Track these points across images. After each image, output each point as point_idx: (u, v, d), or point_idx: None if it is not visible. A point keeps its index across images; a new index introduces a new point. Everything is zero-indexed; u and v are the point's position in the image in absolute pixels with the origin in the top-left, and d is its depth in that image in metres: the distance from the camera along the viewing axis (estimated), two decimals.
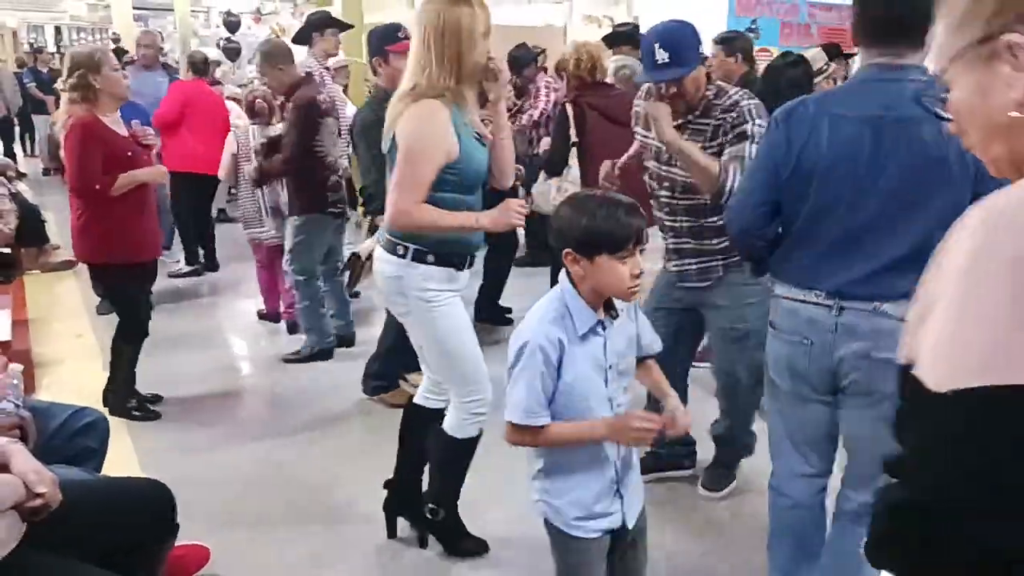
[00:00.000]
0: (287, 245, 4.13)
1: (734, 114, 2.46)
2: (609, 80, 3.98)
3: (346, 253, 4.10)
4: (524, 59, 5.44)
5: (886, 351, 1.71)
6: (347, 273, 2.38)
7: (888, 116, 1.78)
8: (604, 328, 1.71)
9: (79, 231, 3.42)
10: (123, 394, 3.57)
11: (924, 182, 1.76)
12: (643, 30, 5.62)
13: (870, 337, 1.81)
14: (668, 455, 3.04)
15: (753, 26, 8.17)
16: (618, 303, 1.73)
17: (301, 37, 4.91)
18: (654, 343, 1.86)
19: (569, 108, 3.68)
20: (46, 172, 10.19)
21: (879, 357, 1.79)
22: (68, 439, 2.23)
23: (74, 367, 4.15)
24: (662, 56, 2.41)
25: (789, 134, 1.90)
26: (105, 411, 2.77)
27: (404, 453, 2.63)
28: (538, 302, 1.76)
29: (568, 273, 1.69)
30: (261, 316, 4.88)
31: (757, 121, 2.42)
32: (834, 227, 1.86)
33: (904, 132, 1.77)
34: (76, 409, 2.32)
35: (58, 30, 24.23)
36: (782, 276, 2.00)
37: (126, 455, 3.13)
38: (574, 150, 3.72)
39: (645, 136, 2.72)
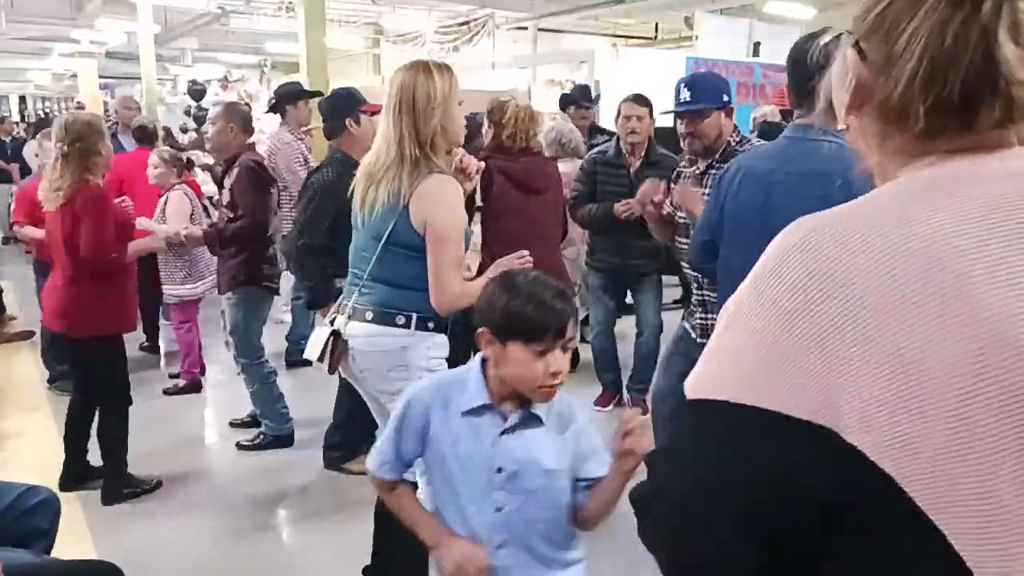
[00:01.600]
0: (230, 326, 3.85)
1: None
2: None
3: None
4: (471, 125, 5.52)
5: None
6: (326, 355, 2.19)
7: (780, 171, 1.99)
8: (504, 419, 1.50)
9: (70, 303, 3.21)
10: (119, 480, 3.37)
11: None
12: (602, 93, 5.80)
13: None
14: None
15: None
16: (553, 411, 1.52)
17: (275, 108, 4.97)
18: (596, 469, 1.54)
19: None
20: (5, 241, 10.04)
21: None
22: (17, 519, 2.14)
23: (29, 441, 4.01)
24: (684, 95, 2.68)
25: (720, 186, 2.17)
26: (57, 490, 2.66)
27: (380, 532, 2.53)
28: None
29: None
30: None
31: None
32: (734, 268, 2.00)
33: (787, 188, 1.95)
34: (27, 487, 2.23)
35: (22, 99, 24.24)
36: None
37: (79, 532, 3.01)
38: (476, 214, 3.48)
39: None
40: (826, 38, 1.94)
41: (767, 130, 4.76)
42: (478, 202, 3.39)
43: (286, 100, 4.94)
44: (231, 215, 3.78)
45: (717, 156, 2.70)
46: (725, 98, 2.71)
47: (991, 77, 0.68)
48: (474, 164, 2.45)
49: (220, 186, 3.83)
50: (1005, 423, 0.59)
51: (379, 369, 2.22)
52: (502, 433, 1.50)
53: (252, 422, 4.11)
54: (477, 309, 1.53)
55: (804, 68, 1.97)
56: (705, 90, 2.66)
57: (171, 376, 4.79)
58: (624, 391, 4.31)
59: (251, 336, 3.84)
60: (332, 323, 2.29)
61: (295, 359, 4.88)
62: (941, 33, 0.68)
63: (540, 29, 14.60)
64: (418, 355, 2.19)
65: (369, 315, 2.21)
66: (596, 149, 4.13)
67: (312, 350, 2.28)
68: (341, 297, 2.35)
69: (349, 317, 2.25)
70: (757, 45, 9.93)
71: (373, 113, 3.48)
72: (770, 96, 8.30)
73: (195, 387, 4.70)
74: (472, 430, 1.51)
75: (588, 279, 4.28)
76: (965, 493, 0.59)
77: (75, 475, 3.41)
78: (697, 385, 0.73)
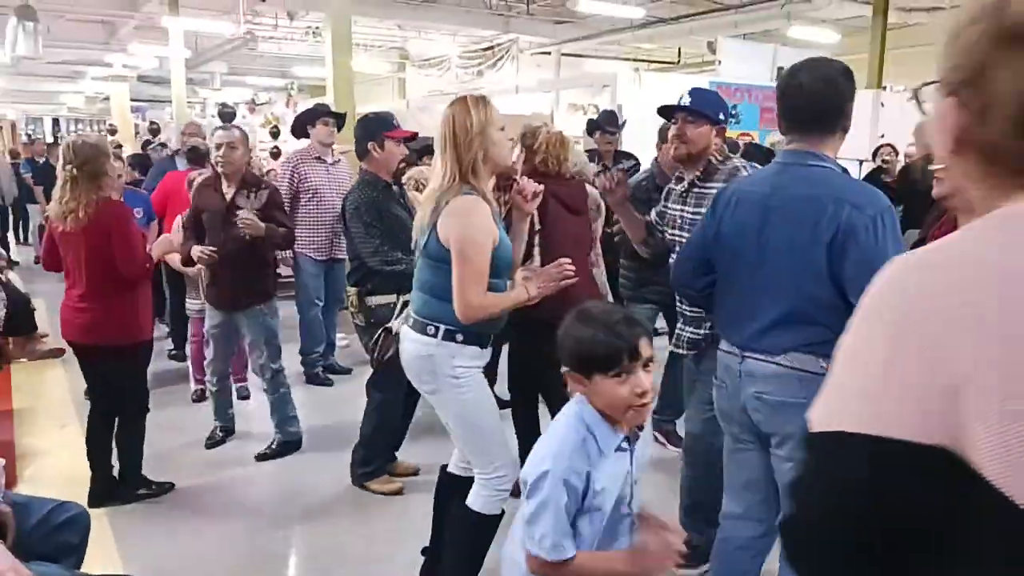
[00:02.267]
0: (262, 336, 3.94)
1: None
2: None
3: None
4: None
5: (779, 395, 2.00)
6: (374, 349, 2.58)
7: (775, 196, 2.03)
8: (630, 443, 1.63)
9: (104, 317, 3.31)
10: (134, 482, 3.57)
11: (787, 260, 2.00)
12: (623, 117, 5.80)
13: (764, 382, 2.05)
14: None
15: (733, 111, 8.45)
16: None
17: (297, 131, 5.09)
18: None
19: None
20: (37, 260, 10.24)
21: (773, 400, 2.01)
22: (48, 534, 2.18)
23: (58, 458, 4.07)
24: (686, 99, 2.72)
25: (715, 208, 2.23)
26: (86, 505, 2.71)
27: (437, 518, 2.72)
28: (555, 422, 1.68)
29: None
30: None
31: None
32: (737, 288, 2.13)
33: (781, 212, 2.01)
34: (57, 503, 2.28)
35: (56, 122, 24.78)
36: (718, 330, 2.29)
37: (107, 547, 3.05)
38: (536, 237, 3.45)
39: (671, 208, 2.88)
40: (829, 71, 1.99)
41: (751, 152, 4.74)
42: (536, 225, 3.42)
43: (307, 120, 5.08)
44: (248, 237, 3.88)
45: (699, 173, 2.72)
46: (721, 116, 2.73)
47: None
48: (531, 187, 2.54)
49: (234, 206, 3.86)
50: None
51: (415, 371, 2.45)
52: (630, 448, 1.64)
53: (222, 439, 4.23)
54: (559, 349, 1.60)
55: (795, 97, 2.05)
56: (706, 102, 2.73)
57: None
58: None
59: (279, 344, 4.03)
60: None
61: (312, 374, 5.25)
62: None
63: (563, 54, 14.74)
64: (442, 364, 2.37)
65: (411, 321, 2.46)
66: (642, 174, 4.13)
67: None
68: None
69: (403, 321, 2.53)
70: (780, 70, 9.93)
71: (406, 140, 3.68)
72: None
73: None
74: (612, 460, 1.61)
75: (629, 308, 4.22)
76: None
77: (102, 489, 3.47)
78: (822, 418, 0.78)
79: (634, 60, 15.55)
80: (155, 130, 12.22)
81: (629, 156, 5.26)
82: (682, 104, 2.74)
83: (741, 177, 2.62)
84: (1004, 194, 0.80)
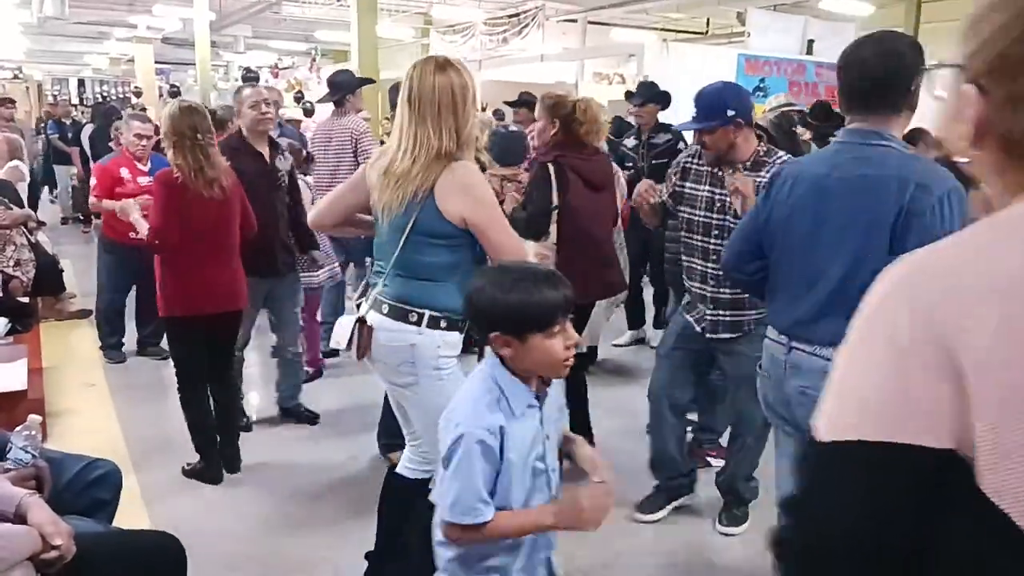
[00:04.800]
0: (296, 307, 4.01)
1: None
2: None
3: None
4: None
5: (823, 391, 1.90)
6: (353, 342, 2.26)
7: (833, 175, 1.97)
8: (539, 400, 1.63)
9: (239, 281, 3.45)
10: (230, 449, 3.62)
11: (849, 240, 1.93)
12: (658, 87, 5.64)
13: (809, 376, 1.99)
14: (666, 486, 3.17)
15: (761, 85, 8.33)
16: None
17: (335, 99, 4.98)
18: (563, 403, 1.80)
19: (552, 169, 3.36)
20: (64, 221, 10.36)
21: (818, 396, 1.93)
22: (81, 491, 2.23)
23: (86, 416, 4.16)
24: (694, 112, 2.73)
25: (769, 191, 2.18)
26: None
27: (380, 520, 2.56)
28: (466, 383, 1.67)
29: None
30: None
31: None
32: (791, 272, 2.08)
33: (842, 191, 1.95)
34: (89, 460, 2.32)
35: (81, 82, 24.87)
36: (766, 319, 2.26)
37: (135, 503, 3.13)
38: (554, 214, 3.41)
39: (692, 188, 2.89)
40: (896, 45, 1.91)
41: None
42: (554, 202, 3.33)
43: (347, 88, 5.00)
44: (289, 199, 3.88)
45: (748, 164, 2.72)
46: (731, 112, 2.66)
47: None
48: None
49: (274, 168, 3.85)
50: None
51: (390, 362, 2.25)
52: (540, 407, 1.63)
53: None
54: (479, 315, 1.59)
55: (858, 72, 1.94)
56: (707, 108, 2.70)
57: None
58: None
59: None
60: (358, 309, 2.34)
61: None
62: None
63: (590, 22, 14.55)
64: (426, 353, 2.20)
65: (385, 308, 2.24)
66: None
67: (339, 338, 2.31)
68: (368, 287, 2.40)
69: (371, 307, 2.29)
70: (811, 43, 9.77)
71: None
72: (823, 95, 8.16)
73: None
74: (523, 420, 1.59)
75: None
76: None
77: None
78: (828, 426, 0.76)
79: (661, 30, 15.33)
80: (175, 93, 12.22)
81: (667, 128, 5.13)
82: (692, 118, 2.75)
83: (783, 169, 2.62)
84: (1021, 190, 0.77)
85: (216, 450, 3.50)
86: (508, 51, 13.98)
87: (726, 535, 3.05)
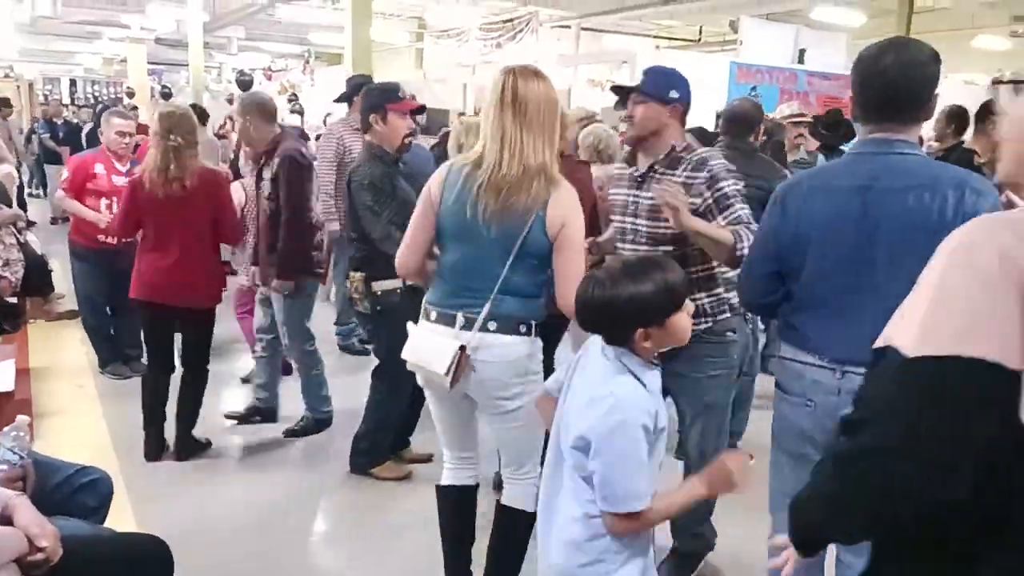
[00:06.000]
0: (279, 318, 3.83)
1: (705, 174, 2.43)
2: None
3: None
4: None
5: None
6: (451, 369, 2.16)
7: (876, 186, 1.87)
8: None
9: (196, 279, 3.58)
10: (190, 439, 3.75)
11: (910, 251, 1.77)
12: None
13: None
14: None
15: (753, 93, 8.36)
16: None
17: (345, 98, 4.90)
18: None
19: None
20: (54, 221, 10.31)
21: None
22: (69, 495, 2.21)
23: (74, 417, 4.14)
24: (641, 78, 2.54)
25: (786, 206, 2.01)
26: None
27: (457, 539, 2.52)
28: (592, 382, 1.68)
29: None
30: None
31: (729, 180, 2.43)
32: (830, 292, 1.93)
33: (891, 201, 1.85)
34: (81, 467, 2.30)
35: (73, 82, 24.77)
36: (787, 339, 2.06)
37: (122, 505, 3.11)
38: None
39: (614, 193, 2.70)
40: (916, 55, 1.88)
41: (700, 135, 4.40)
42: None
43: (356, 91, 4.92)
44: (273, 207, 3.71)
45: (661, 158, 2.52)
46: (674, 95, 2.50)
47: None
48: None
49: (259, 177, 3.78)
50: None
51: (506, 377, 2.22)
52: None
53: (247, 415, 4.14)
54: (630, 316, 1.63)
55: (879, 82, 1.88)
56: (657, 82, 2.52)
57: None
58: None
59: (304, 324, 3.87)
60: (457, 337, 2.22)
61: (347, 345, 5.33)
62: None
63: (583, 28, 14.59)
64: (535, 360, 2.25)
65: (493, 325, 2.19)
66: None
67: (437, 363, 2.21)
68: (452, 310, 2.26)
69: (478, 330, 2.20)
70: (803, 52, 9.83)
71: (413, 112, 3.44)
72: (814, 105, 8.21)
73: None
74: (656, 397, 1.69)
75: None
76: None
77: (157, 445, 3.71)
78: (919, 343, 0.87)
79: (655, 37, 15.40)
80: (167, 94, 12.17)
81: None
82: (635, 81, 2.57)
83: (713, 166, 2.44)
84: None
85: (154, 428, 3.68)
86: (502, 56, 14.01)
87: None
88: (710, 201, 2.42)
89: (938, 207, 1.80)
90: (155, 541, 2.03)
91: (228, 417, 4.15)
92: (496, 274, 2.17)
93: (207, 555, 2.83)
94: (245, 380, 4.68)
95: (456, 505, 2.50)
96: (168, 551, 2.01)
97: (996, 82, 10.24)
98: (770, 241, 2.05)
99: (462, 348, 2.16)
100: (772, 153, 4.51)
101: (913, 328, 0.87)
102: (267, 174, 3.70)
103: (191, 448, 3.69)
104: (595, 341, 1.74)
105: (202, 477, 3.53)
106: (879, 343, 0.98)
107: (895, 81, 1.87)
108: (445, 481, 2.50)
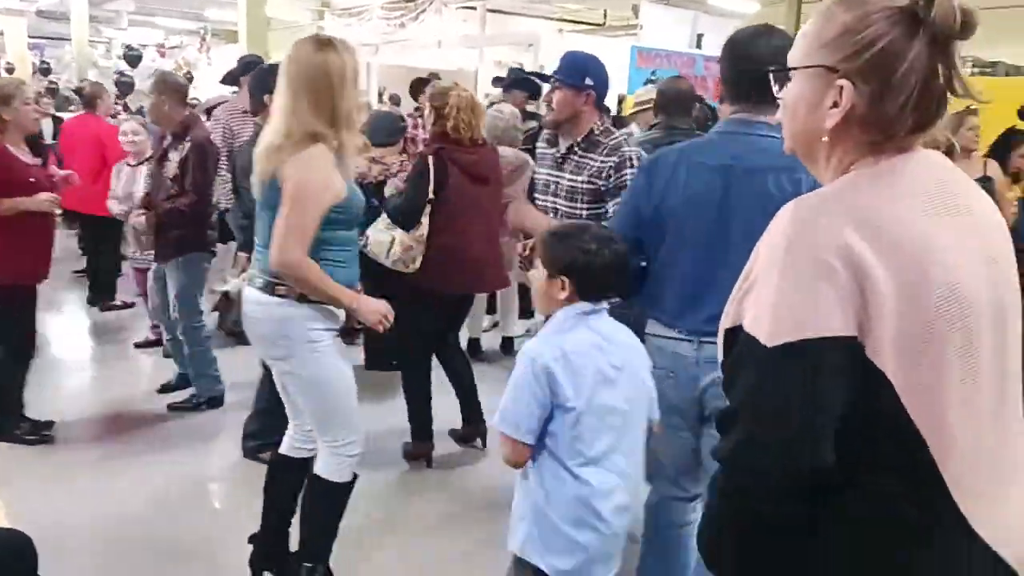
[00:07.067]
0: (172, 291, 3.89)
1: (616, 159, 2.61)
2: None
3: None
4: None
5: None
6: (216, 313, 2.24)
7: (737, 166, 1.93)
8: None
9: None
10: (15, 418, 3.56)
11: (761, 231, 1.85)
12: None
13: None
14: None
15: (653, 77, 8.52)
16: None
17: (230, 79, 4.90)
18: None
19: (431, 161, 3.34)
20: None
21: None
22: None
23: None
24: (558, 64, 2.75)
25: (651, 179, 2.07)
26: None
27: (270, 505, 2.56)
28: (567, 328, 1.82)
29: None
30: (138, 346, 4.83)
31: (634, 171, 2.55)
32: (690, 267, 1.99)
33: (751, 181, 1.91)
34: None
35: None
36: (651, 315, 2.11)
37: None
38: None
39: (537, 173, 2.90)
40: (786, 42, 1.93)
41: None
42: (430, 195, 3.30)
43: (242, 72, 4.80)
44: (175, 189, 3.79)
45: (580, 140, 2.68)
46: (588, 81, 2.65)
47: (944, 104, 1.01)
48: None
49: (164, 157, 3.80)
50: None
51: (267, 337, 2.29)
52: None
53: (177, 385, 4.17)
54: (560, 266, 1.82)
55: (743, 65, 1.94)
56: (568, 69, 2.71)
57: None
58: None
59: (195, 299, 3.93)
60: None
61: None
62: (929, 75, 0.98)
63: (489, 10, 14.51)
64: (297, 326, 2.22)
65: (258, 282, 2.26)
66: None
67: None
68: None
69: (248, 283, 2.31)
70: (700, 37, 10.07)
71: None
72: (711, 89, 8.43)
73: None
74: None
75: None
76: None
77: None
78: (772, 332, 0.95)
79: (560, 20, 15.47)
80: (46, 70, 11.46)
81: (534, 116, 5.23)
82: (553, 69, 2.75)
83: (624, 153, 2.60)
84: (856, 158, 1.04)
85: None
86: (406, 36, 13.81)
87: None
88: (610, 185, 2.62)
89: (792, 190, 1.85)
90: (15, 537, 1.91)
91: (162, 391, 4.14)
92: (261, 229, 2.28)
93: (83, 544, 2.74)
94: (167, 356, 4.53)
95: (273, 473, 2.58)
96: (31, 549, 1.89)
97: None
98: (631, 212, 2.11)
99: (224, 295, 2.30)
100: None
101: (765, 320, 0.96)
102: (173, 156, 3.79)
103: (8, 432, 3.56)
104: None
105: (81, 466, 3.38)
106: (726, 322, 1.11)
107: (756, 64, 1.86)
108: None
